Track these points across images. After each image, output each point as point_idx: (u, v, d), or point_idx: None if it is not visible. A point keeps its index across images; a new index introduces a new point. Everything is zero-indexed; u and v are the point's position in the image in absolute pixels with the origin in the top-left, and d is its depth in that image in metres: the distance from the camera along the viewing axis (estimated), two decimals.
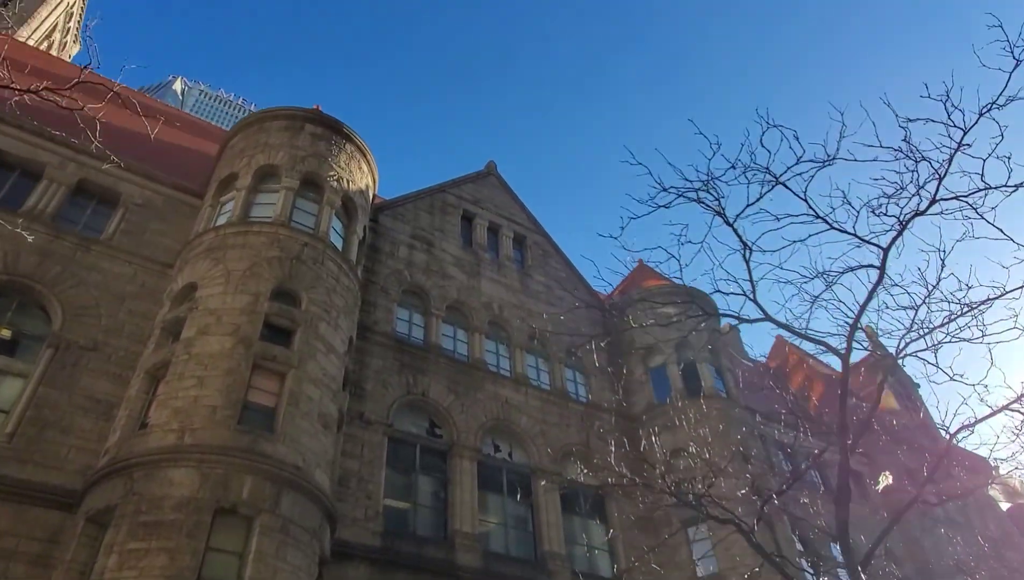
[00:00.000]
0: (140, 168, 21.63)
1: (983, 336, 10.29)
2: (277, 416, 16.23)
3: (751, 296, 12.70)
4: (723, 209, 11.93)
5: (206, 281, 18.00)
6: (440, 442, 22.40)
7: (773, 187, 11.62)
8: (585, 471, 23.34)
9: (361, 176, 23.89)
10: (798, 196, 11.48)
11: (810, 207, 11.48)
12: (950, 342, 10.77)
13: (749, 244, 12.27)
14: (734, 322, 13.66)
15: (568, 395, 26.68)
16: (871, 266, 11.44)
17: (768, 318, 12.06)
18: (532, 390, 25.51)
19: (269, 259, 18.63)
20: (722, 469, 25.93)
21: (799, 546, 28.72)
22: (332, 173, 22.18)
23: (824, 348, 11.87)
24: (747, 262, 12.48)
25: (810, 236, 11.64)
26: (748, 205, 11.99)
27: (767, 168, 11.46)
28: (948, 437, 9.63)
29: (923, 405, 41.53)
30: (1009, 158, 9.57)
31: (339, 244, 21.44)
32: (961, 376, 10.50)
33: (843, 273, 11.39)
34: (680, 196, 11.94)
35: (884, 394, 41.13)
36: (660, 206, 12.27)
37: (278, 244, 19.06)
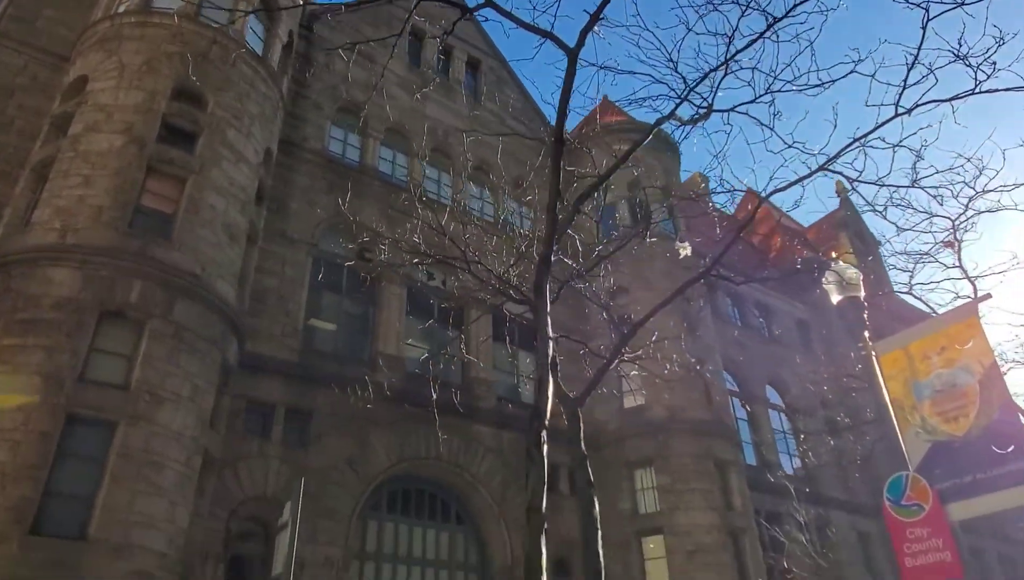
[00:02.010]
0: None
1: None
2: (174, 223, 15.34)
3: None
4: None
5: (97, 74, 16.40)
6: (369, 266, 21.77)
7: None
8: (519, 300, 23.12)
9: None
10: None
11: None
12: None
13: None
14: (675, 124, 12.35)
15: (511, 228, 25.88)
16: None
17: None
18: (473, 220, 24.65)
19: (170, 54, 16.90)
20: (668, 313, 25.92)
21: (733, 386, 29.45)
22: None
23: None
24: None
25: None
26: None
27: None
28: (760, 200, 8.49)
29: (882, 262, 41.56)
30: None
31: (258, 48, 19.58)
32: (797, 141, 9.34)
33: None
34: None
35: (842, 248, 40.83)
36: None
37: (181, 39, 17.23)
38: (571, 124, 28.45)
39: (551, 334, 4.60)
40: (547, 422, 4.46)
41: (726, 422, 24.00)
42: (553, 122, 26.81)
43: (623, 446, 22.96)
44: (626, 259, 25.92)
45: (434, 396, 12.57)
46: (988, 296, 6.37)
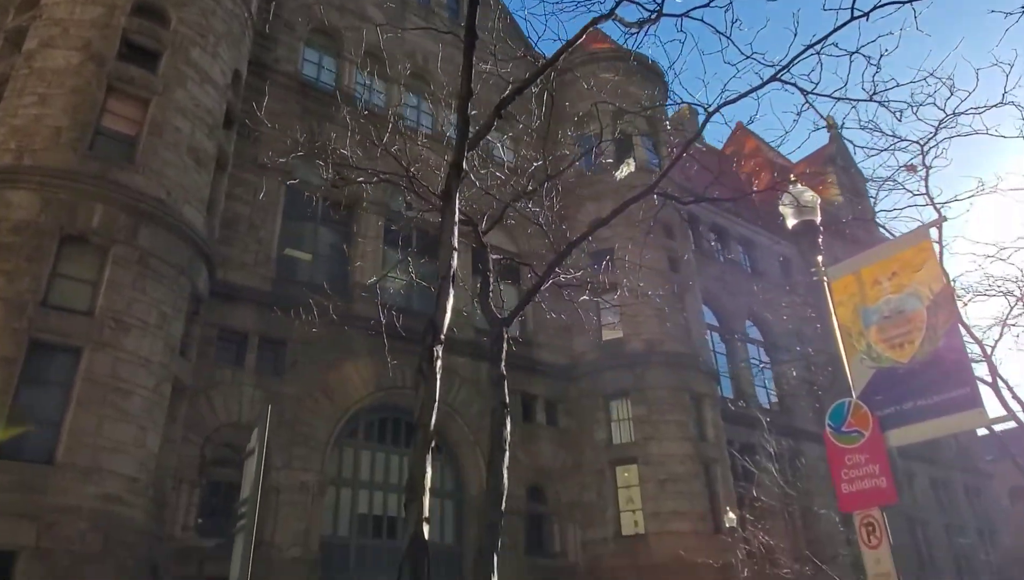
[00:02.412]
0: None
1: None
2: (137, 145, 14.85)
3: None
4: None
5: None
6: (345, 195, 21.34)
7: None
8: (501, 236, 22.88)
9: None
10: None
11: None
12: None
13: None
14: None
15: (492, 157, 25.38)
16: None
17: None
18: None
19: None
20: (647, 244, 25.75)
21: (713, 320, 29.61)
22: None
23: None
24: None
25: None
26: None
27: None
28: (707, 116, 7.83)
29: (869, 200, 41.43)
30: None
31: None
32: (756, 52, 8.74)
33: None
34: None
35: (828, 185, 40.55)
36: None
37: None
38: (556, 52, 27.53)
39: (455, 245, 4.36)
40: (443, 336, 4.26)
41: (703, 355, 24.19)
42: (536, 46, 25.76)
43: (600, 378, 23.15)
44: (608, 193, 25.64)
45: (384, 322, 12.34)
46: (942, 219, 6.25)
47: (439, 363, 4.06)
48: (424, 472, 3.75)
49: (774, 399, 31.19)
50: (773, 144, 30.07)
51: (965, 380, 3.66)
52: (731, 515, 17.89)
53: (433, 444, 18.91)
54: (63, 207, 13.34)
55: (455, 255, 4.30)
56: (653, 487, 21.22)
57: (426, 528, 3.71)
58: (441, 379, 19.00)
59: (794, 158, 49.05)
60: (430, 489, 18.44)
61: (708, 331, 27.76)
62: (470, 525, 20.30)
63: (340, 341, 19.34)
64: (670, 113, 31.67)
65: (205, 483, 16.37)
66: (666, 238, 25.53)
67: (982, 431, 32.67)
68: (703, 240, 31.91)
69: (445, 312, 4.22)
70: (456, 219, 4.53)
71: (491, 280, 6.19)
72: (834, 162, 42.16)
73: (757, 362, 31.70)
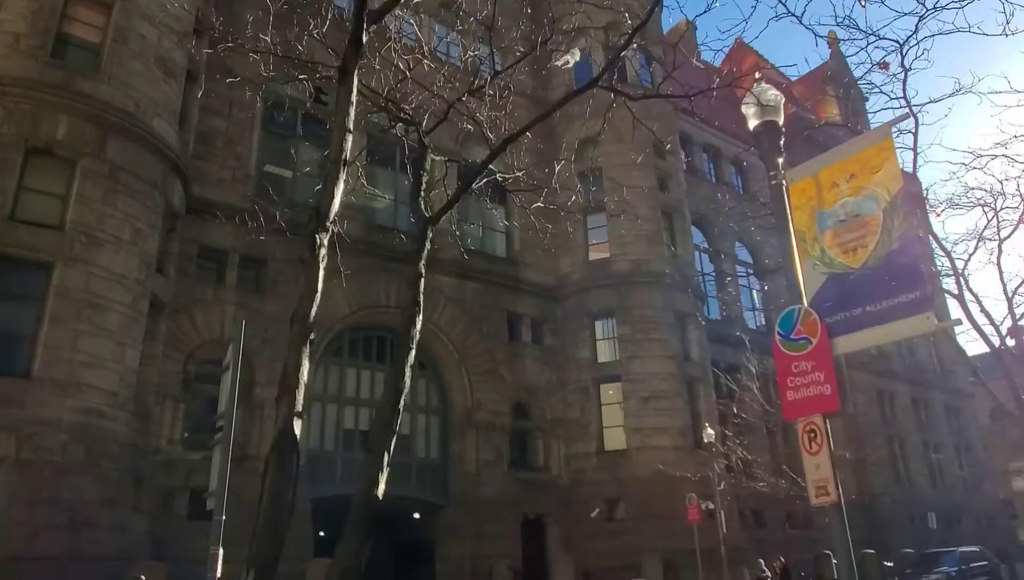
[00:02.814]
0: None
1: None
2: (102, 54, 14.23)
3: None
4: None
5: None
6: (326, 109, 20.70)
7: None
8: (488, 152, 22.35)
9: None
10: None
11: None
12: None
13: None
14: None
15: (479, 73, 24.54)
16: None
17: None
18: (437, 62, 23.28)
19: None
20: (636, 164, 25.28)
21: (702, 241, 29.45)
22: None
23: None
24: None
25: None
26: None
27: None
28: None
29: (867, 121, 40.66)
30: None
31: None
32: None
33: None
34: None
35: (827, 105, 39.62)
36: None
37: None
38: None
39: (350, 127, 4.06)
40: (329, 224, 4.06)
41: (689, 276, 24.12)
42: None
43: (586, 297, 23.16)
44: (600, 110, 24.93)
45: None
46: (905, 116, 5.99)
47: (323, 252, 3.86)
48: (298, 366, 3.61)
49: (761, 322, 31.43)
50: (768, 58, 29.00)
51: (916, 284, 3.52)
52: (710, 431, 18.24)
53: (418, 360, 18.80)
54: (26, 118, 12.90)
55: (350, 138, 4.03)
56: (636, 404, 21.56)
57: (297, 424, 3.58)
58: (425, 298, 18.82)
59: (794, 75, 47.77)
60: (414, 406, 18.46)
61: (697, 252, 27.65)
62: (454, 440, 20.71)
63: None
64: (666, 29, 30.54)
65: (190, 398, 16.54)
66: (656, 158, 25.03)
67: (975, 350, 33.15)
68: (696, 160, 31.37)
69: (332, 198, 4.00)
70: (353, 99, 4.12)
71: (423, 180, 5.94)
72: (833, 81, 41.09)
73: (745, 284, 31.77)
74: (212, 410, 17.15)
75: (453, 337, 20.96)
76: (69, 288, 12.61)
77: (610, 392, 22.39)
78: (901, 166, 5.08)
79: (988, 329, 16.52)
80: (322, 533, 25.07)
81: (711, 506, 18.64)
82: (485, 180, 7.39)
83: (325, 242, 3.89)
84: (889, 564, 23.12)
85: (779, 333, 4.15)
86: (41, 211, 12.98)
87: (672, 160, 25.76)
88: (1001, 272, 16.87)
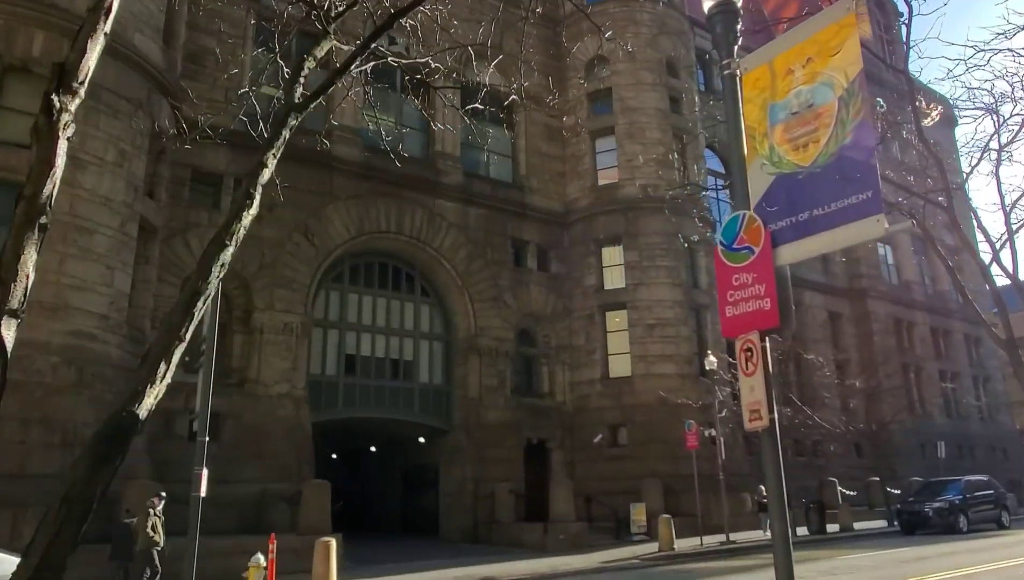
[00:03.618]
0: None
1: None
2: None
3: None
4: None
5: None
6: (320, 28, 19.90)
7: None
8: (492, 73, 21.48)
9: None
10: None
11: None
12: None
13: None
14: None
15: None
16: None
17: None
18: None
19: None
20: (647, 84, 24.21)
21: (719, 166, 28.45)
22: None
23: None
24: None
25: None
26: None
27: None
28: None
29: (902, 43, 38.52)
30: None
31: None
32: None
33: None
34: None
35: (862, 22, 37.64)
36: None
37: None
38: None
39: None
40: (76, 85, 3.61)
41: (701, 201, 23.36)
42: None
43: (593, 223, 22.62)
44: (611, 26, 23.72)
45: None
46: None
47: (66, 120, 3.43)
48: (18, 254, 3.22)
49: None
50: None
51: (867, 182, 3.07)
52: (712, 358, 17.94)
53: (420, 286, 18.51)
54: (0, 34, 12.43)
55: None
56: (641, 331, 21.29)
57: (11, 324, 3.07)
58: (426, 223, 18.45)
59: None
60: (417, 331, 18.18)
61: (713, 177, 26.73)
62: (457, 366, 20.70)
63: (320, 184, 18.82)
64: None
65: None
66: (669, 77, 23.94)
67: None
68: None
69: (83, 52, 3.54)
70: None
71: (305, 66, 5.40)
72: None
73: None
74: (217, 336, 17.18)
75: (456, 263, 20.66)
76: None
77: (616, 319, 22.08)
78: (882, 56, 4.41)
79: (984, 248, 15.72)
80: (335, 456, 25.66)
81: (713, 433, 18.56)
82: (372, 63, 6.75)
83: (71, 108, 3.45)
84: (895, 491, 23.10)
85: (721, 242, 3.73)
86: (21, 131, 12.62)
87: (686, 80, 24.61)
88: (1000, 183, 16.04)
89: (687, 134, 23.26)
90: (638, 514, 18.07)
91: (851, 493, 22.61)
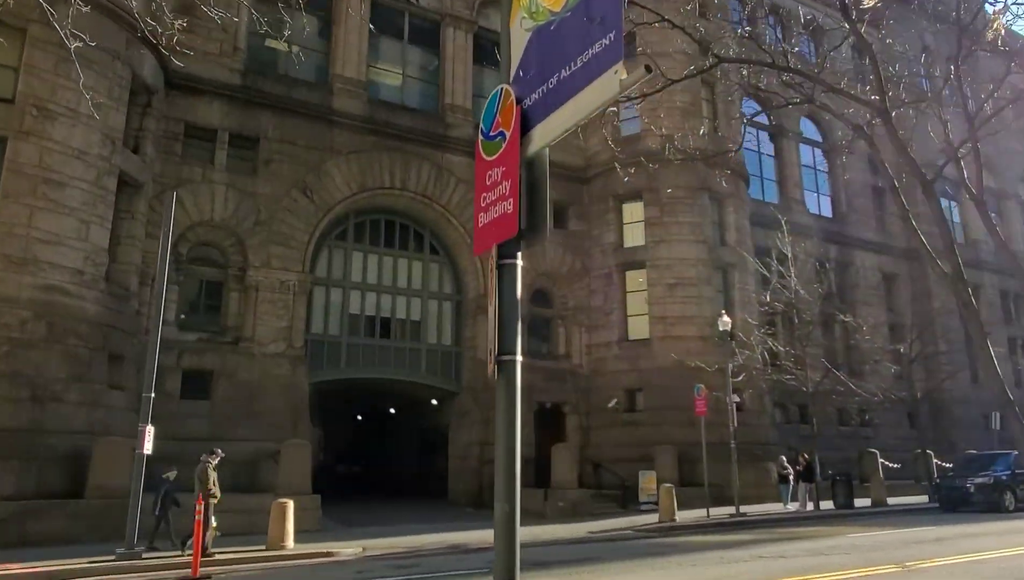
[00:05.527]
0: None
1: None
2: None
3: None
4: None
5: None
6: None
7: None
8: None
9: None
10: None
11: None
12: None
13: None
14: None
15: None
16: None
17: None
18: None
19: None
20: (676, 27, 22.50)
21: (762, 117, 26.52)
22: None
23: None
24: None
25: None
26: None
27: None
28: None
29: None
30: None
31: None
32: None
33: None
34: None
35: None
36: None
37: None
38: None
39: None
40: None
41: (730, 153, 21.71)
42: None
43: (612, 178, 21.23)
44: None
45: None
46: None
47: None
48: None
49: (827, 209, 28.62)
50: None
51: (609, 22, 2.12)
52: (726, 319, 16.58)
53: (429, 245, 17.75)
54: None
55: None
56: (661, 291, 20.10)
57: None
58: (433, 178, 17.62)
59: None
60: (426, 291, 17.46)
61: (752, 129, 24.86)
62: (467, 326, 20.03)
63: (319, 139, 18.23)
64: None
65: (183, 280, 16.39)
66: (699, 18, 22.15)
67: None
68: (759, 23, 27.83)
69: None
70: None
71: None
72: None
73: (812, 165, 28.77)
74: (208, 292, 17.04)
75: (464, 220, 19.84)
76: (22, 163, 12.25)
77: (639, 280, 20.90)
78: None
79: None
80: (359, 417, 25.52)
81: (737, 399, 17.34)
82: None
83: None
84: (946, 465, 21.34)
85: (481, 132, 2.83)
86: None
87: (717, 20, 22.79)
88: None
89: (718, 80, 21.53)
90: (648, 482, 17.14)
91: (894, 466, 20.96)
